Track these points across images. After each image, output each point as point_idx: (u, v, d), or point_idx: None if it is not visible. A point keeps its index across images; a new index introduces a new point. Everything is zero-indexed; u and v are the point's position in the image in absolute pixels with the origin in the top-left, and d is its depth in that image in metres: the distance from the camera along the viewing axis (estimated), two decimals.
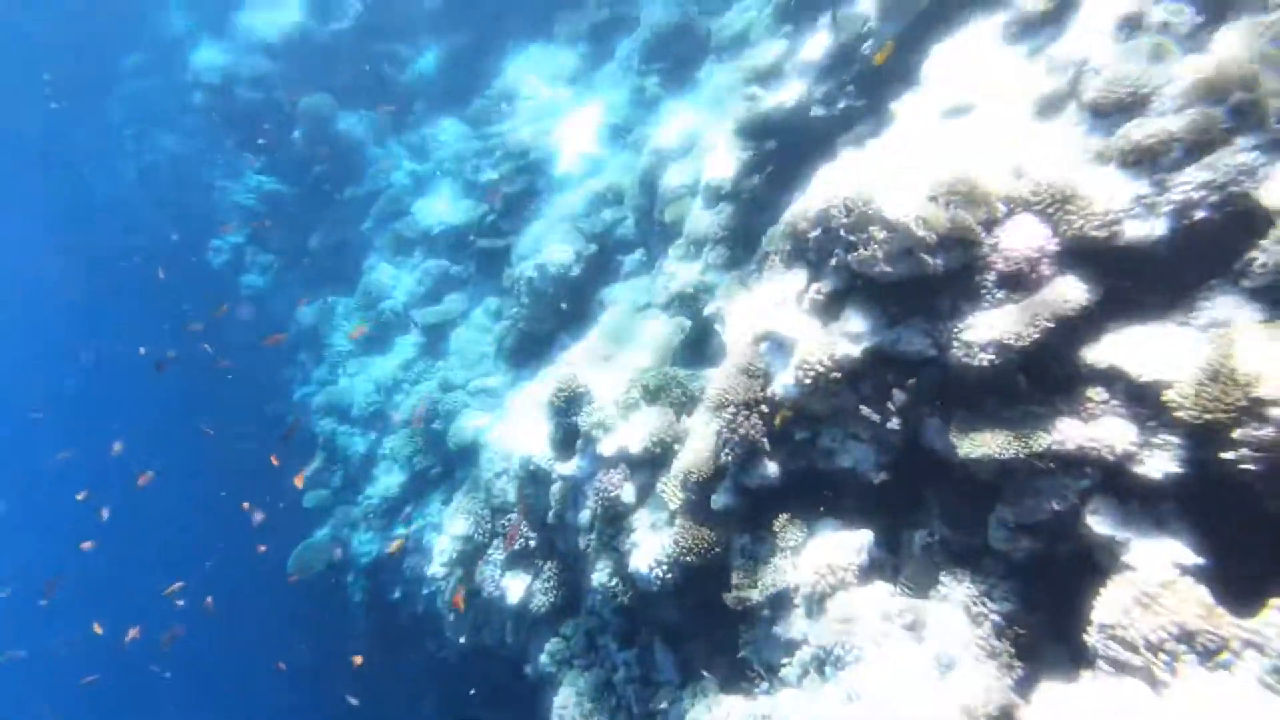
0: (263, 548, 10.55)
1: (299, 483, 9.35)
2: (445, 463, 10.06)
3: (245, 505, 9.83)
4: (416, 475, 10.23)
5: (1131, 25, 4.08)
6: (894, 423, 4.10)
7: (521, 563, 6.80)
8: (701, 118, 9.96)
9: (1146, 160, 3.44)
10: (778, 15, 8.70)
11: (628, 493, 5.55)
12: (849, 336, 4.09)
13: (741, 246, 7.95)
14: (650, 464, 5.69)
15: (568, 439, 6.26)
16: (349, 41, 14.18)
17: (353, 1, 13.64)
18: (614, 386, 6.40)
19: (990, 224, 3.72)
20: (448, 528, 7.71)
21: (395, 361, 11.44)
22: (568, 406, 6.14)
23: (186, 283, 14.91)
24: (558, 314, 10.26)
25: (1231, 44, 3.40)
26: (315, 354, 13.01)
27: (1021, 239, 3.57)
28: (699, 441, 5.13)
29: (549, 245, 10.33)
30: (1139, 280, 3.48)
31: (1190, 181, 3.26)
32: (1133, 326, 3.38)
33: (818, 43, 7.15)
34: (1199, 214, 3.22)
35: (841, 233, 4.12)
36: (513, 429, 7.69)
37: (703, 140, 9.30)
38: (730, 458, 4.62)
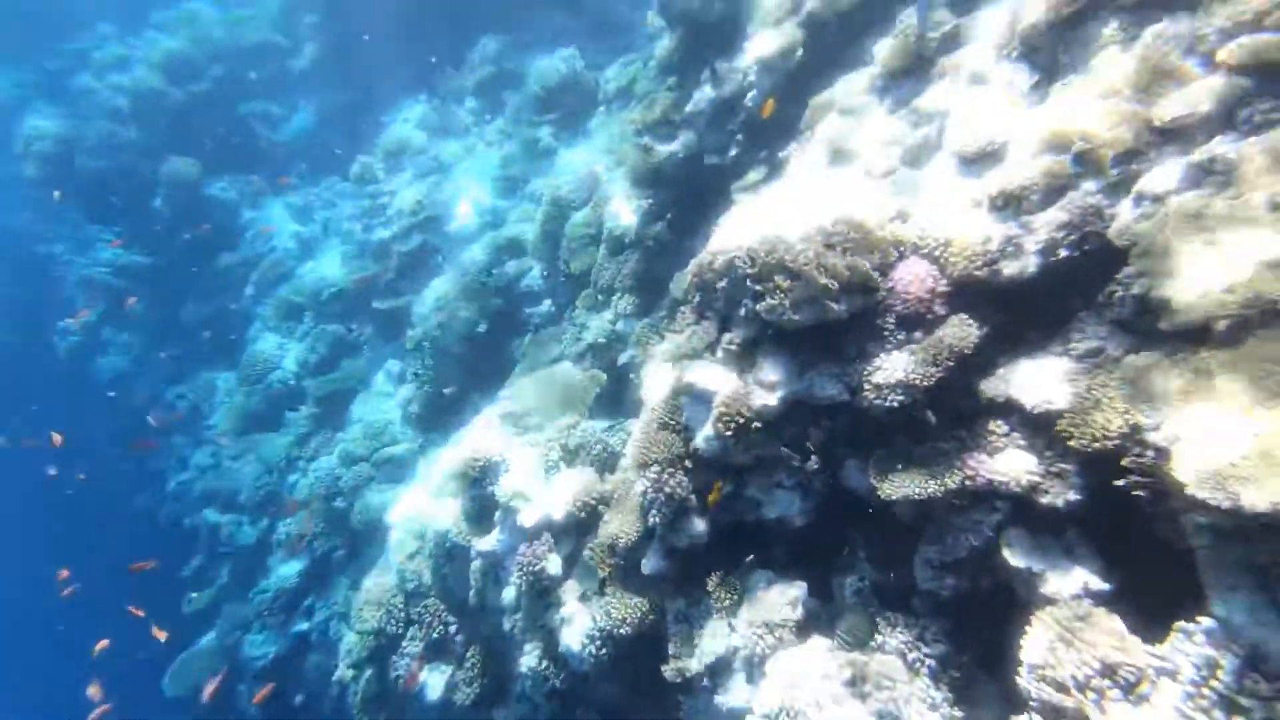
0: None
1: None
2: (351, 543, 9.22)
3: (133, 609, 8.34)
4: (318, 560, 9.29)
5: (981, 81, 4.47)
6: (813, 461, 4.13)
7: (442, 652, 6.22)
8: (599, 167, 10.06)
9: (1012, 204, 3.70)
10: (661, 69, 9.00)
11: (553, 564, 5.23)
12: (765, 386, 4.08)
13: (650, 293, 7.98)
14: (576, 530, 5.41)
15: (485, 511, 5.87)
16: (211, 102, 13.26)
17: (211, 63, 12.82)
18: (532, 448, 6.10)
19: (885, 268, 3.86)
20: (356, 620, 6.98)
21: (288, 438, 10.47)
22: (483, 476, 5.77)
23: (31, 372, 13.05)
24: (467, 372, 9.83)
25: (1065, 98, 3.76)
26: (193, 437, 11.69)
27: (915, 281, 3.72)
28: (624, 503, 4.93)
29: (452, 302, 9.94)
30: (1020, 314, 3.71)
31: (1051, 223, 3.53)
32: (1021, 359, 3.57)
33: (703, 95, 7.41)
34: (1063, 252, 3.48)
35: (748, 282, 4.15)
36: (425, 502, 7.15)
37: (602, 189, 9.36)
38: (658, 518, 4.46)
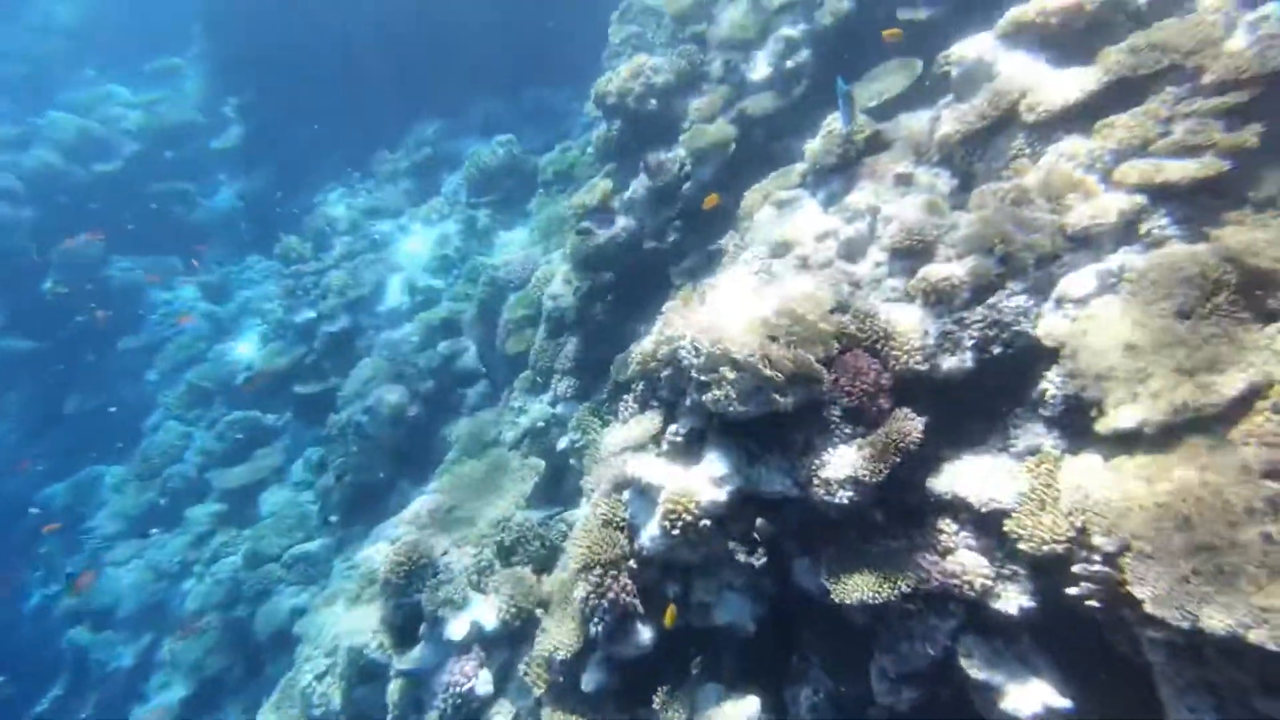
0: None
1: None
2: (250, 660, 8.13)
3: None
4: (208, 683, 8.10)
5: (905, 182, 4.74)
6: (761, 555, 3.92)
7: None
8: (537, 249, 10.06)
9: (945, 300, 3.82)
10: (599, 155, 9.27)
11: (484, 683, 4.70)
12: (712, 480, 3.91)
13: (591, 375, 7.81)
14: (510, 640, 4.93)
15: (409, 621, 5.27)
16: (122, 182, 12.59)
17: (124, 141, 12.29)
18: (463, 547, 5.62)
19: (829, 361, 3.86)
20: None
21: (185, 538, 9.34)
22: (407, 583, 5.22)
23: None
24: (394, 459, 9.21)
25: (985, 204, 4.00)
26: (67, 542, 10.24)
27: (859, 375, 3.72)
28: (563, 609, 4.54)
29: (381, 384, 9.43)
30: (959, 407, 3.76)
31: (982, 320, 3.65)
32: (963, 454, 3.58)
33: (641, 183, 7.59)
34: (996, 349, 3.58)
35: (693, 373, 4.06)
36: (339, 610, 6.41)
37: (541, 270, 9.31)
38: (599, 628, 4.09)
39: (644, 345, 4.52)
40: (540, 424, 7.74)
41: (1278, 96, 3.44)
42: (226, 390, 10.73)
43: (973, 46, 4.56)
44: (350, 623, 5.71)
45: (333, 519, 8.35)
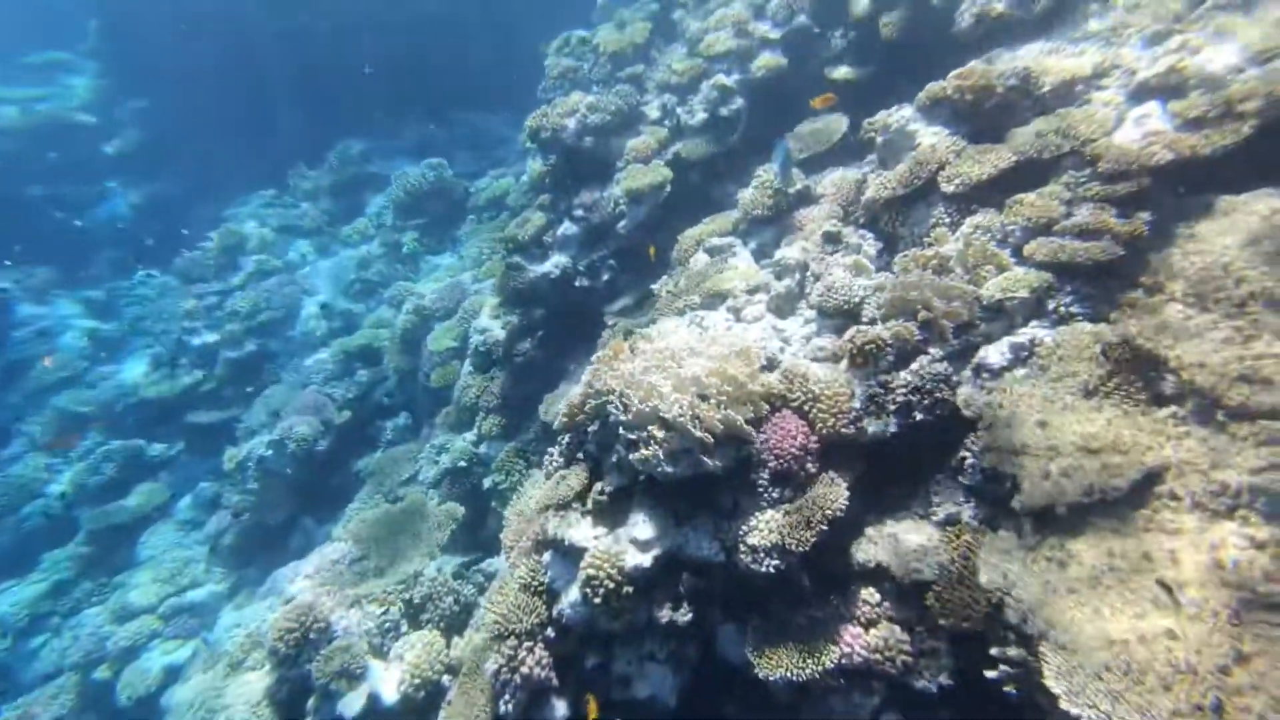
0: None
1: None
2: None
3: None
4: None
5: (833, 241, 4.83)
6: (686, 612, 3.75)
7: None
8: (466, 276, 9.71)
9: (870, 363, 3.86)
10: (534, 186, 9.11)
11: None
12: (638, 544, 3.74)
13: (517, 413, 7.52)
14: (413, 715, 4.51)
15: (297, 695, 4.75)
16: None
17: None
18: (366, 607, 5.16)
19: (758, 421, 3.80)
20: None
21: (38, 588, 8.19)
22: (298, 653, 4.71)
23: None
24: (299, 496, 8.50)
25: (908, 270, 4.11)
26: None
27: (786, 438, 3.67)
28: (473, 681, 4.20)
29: (290, 415, 8.73)
30: (883, 468, 3.78)
31: (905, 385, 3.70)
32: (887, 519, 3.58)
33: (575, 218, 7.46)
34: (918, 415, 3.62)
35: (621, 430, 3.90)
36: (217, 677, 5.73)
37: (469, 300, 8.97)
38: (510, 706, 3.80)
39: (571, 397, 4.33)
40: (462, 463, 7.36)
41: (1161, 188, 3.73)
42: (108, 416, 9.64)
43: (895, 116, 4.74)
44: (231, 694, 5.09)
45: (218, 570, 7.55)
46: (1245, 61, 3.77)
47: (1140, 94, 4.02)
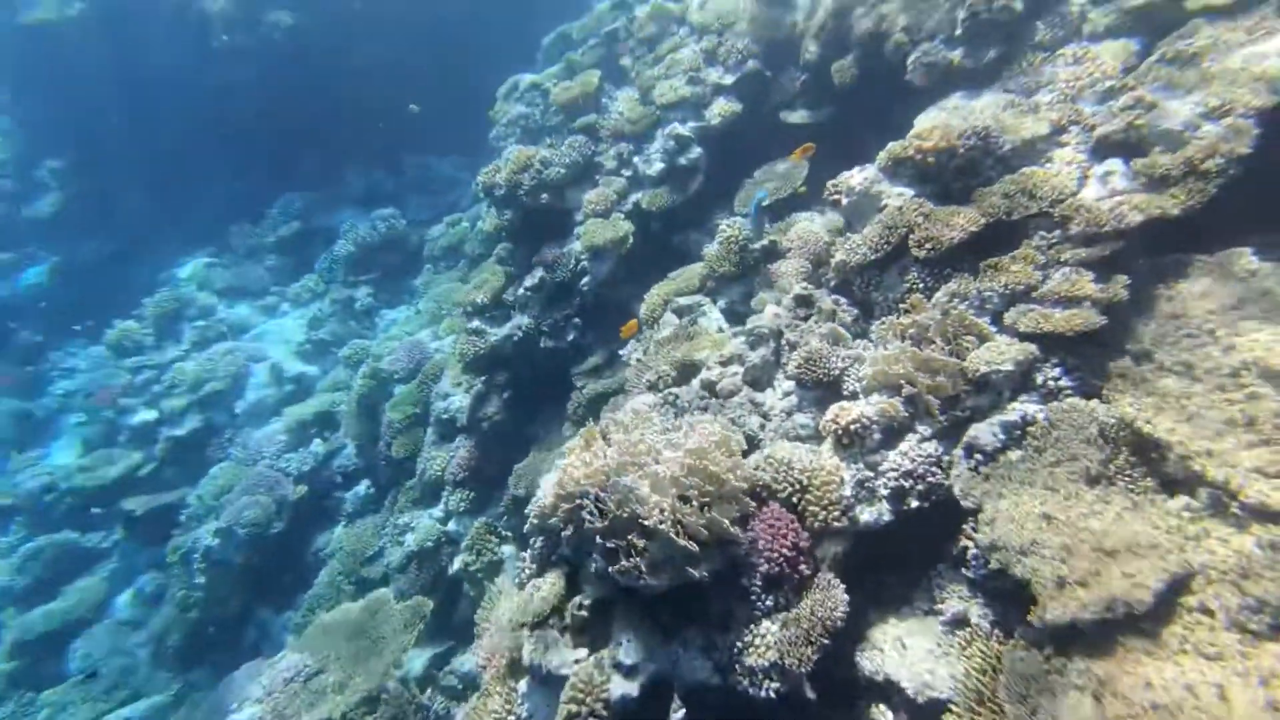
0: None
1: None
2: None
3: None
4: None
5: (806, 305, 4.65)
6: None
7: None
8: (425, 334, 9.30)
9: (856, 443, 3.66)
10: (490, 238, 8.80)
11: None
12: (622, 670, 3.44)
13: (486, 486, 7.14)
14: None
15: None
16: None
17: None
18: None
19: (745, 519, 3.56)
20: None
21: None
22: None
23: None
24: (251, 587, 7.92)
25: (887, 341, 3.94)
26: None
27: (776, 538, 3.44)
28: None
29: (239, 496, 8.16)
30: (880, 557, 3.57)
31: (896, 469, 3.50)
32: (889, 618, 3.37)
33: (536, 278, 7.18)
34: (913, 502, 3.43)
35: (598, 539, 3.61)
36: None
37: (429, 360, 8.57)
38: None
39: (540, 498, 4.02)
40: (429, 544, 6.94)
41: (1134, 251, 3.65)
42: (34, 508, 8.88)
43: (858, 177, 4.61)
44: None
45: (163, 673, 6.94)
46: (1200, 117, 3.74)
47: (1101, 149, 3.95)
